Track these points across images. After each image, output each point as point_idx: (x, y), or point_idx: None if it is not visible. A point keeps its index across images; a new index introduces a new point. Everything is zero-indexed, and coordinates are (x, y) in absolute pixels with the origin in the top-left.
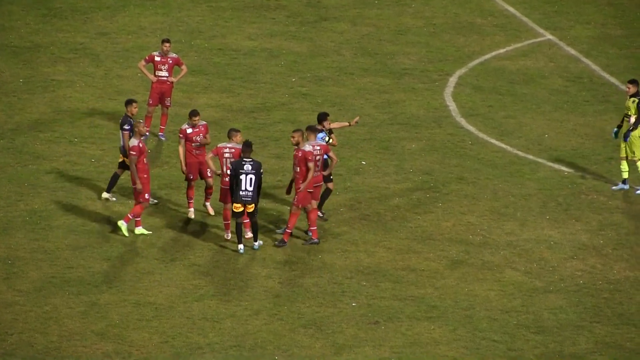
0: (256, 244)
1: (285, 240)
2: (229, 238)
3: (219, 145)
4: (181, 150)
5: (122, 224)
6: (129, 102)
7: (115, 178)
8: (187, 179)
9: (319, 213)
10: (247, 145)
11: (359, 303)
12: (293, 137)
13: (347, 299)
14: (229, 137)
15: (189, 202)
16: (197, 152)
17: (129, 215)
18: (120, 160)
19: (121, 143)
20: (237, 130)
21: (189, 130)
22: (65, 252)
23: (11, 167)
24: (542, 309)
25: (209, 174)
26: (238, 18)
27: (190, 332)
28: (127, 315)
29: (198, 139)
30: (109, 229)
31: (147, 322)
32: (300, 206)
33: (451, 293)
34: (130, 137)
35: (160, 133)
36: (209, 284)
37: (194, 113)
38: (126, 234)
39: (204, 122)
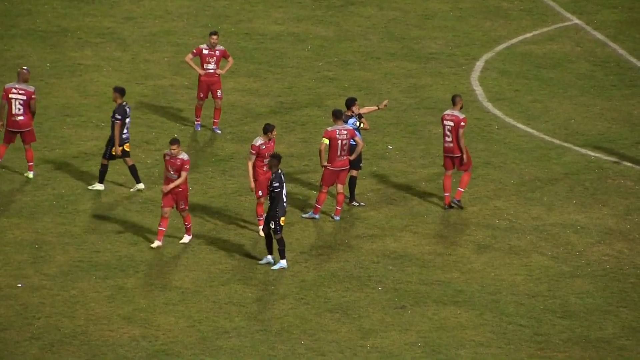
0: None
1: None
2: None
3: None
4: (250, 166)
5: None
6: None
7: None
8: (257, 196)
9: (354, 203)
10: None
11: (385, 287)
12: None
13: (373, 283)
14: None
15: (258, 220)
16: (266, 168)
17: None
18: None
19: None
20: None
21: (263, 147)
22: (92, 236)
23: (38, 152)
24: (569, 293)
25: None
26: (265, 2)
27: (217, 316)
28: (153, 300)
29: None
30: (136, 213)
31: (174, 306)
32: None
33: (478, 277)
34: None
35: (214, 127)
36: (235, 268)
37: (270, 128)
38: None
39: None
